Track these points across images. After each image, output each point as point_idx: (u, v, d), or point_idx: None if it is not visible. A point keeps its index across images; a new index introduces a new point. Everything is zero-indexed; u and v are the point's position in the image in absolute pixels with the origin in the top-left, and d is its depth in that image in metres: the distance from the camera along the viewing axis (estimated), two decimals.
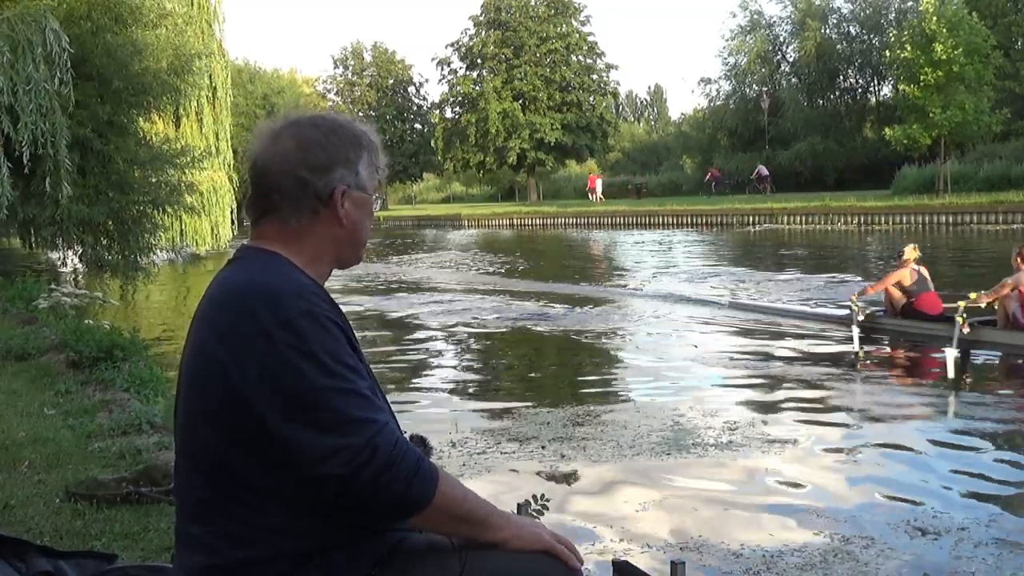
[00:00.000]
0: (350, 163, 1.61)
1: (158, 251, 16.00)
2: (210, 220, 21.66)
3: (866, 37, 53.29)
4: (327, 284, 1.69)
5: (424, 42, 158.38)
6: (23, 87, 10.85)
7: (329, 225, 1.61)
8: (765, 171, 45.13)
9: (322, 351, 1.45)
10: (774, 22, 56.46)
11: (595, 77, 57.76)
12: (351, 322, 1.60)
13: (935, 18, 31.11)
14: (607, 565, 2.09)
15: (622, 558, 2.21)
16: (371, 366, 1.65)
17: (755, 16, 55.84)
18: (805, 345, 9.42)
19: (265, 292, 1.49)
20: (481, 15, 57.37)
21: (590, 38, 57.73)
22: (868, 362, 8.66)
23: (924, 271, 9.67)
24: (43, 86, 10.95)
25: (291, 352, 1.44)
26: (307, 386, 1.43)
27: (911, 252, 9.72)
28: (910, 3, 46.78)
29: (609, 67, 58.65)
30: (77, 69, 11.60)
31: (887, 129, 34.78)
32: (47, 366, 6.67)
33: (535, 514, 2.42)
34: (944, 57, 30.72)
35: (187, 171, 14.97)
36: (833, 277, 15.92)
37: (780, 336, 10.03)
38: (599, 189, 51.72)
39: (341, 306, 1.59)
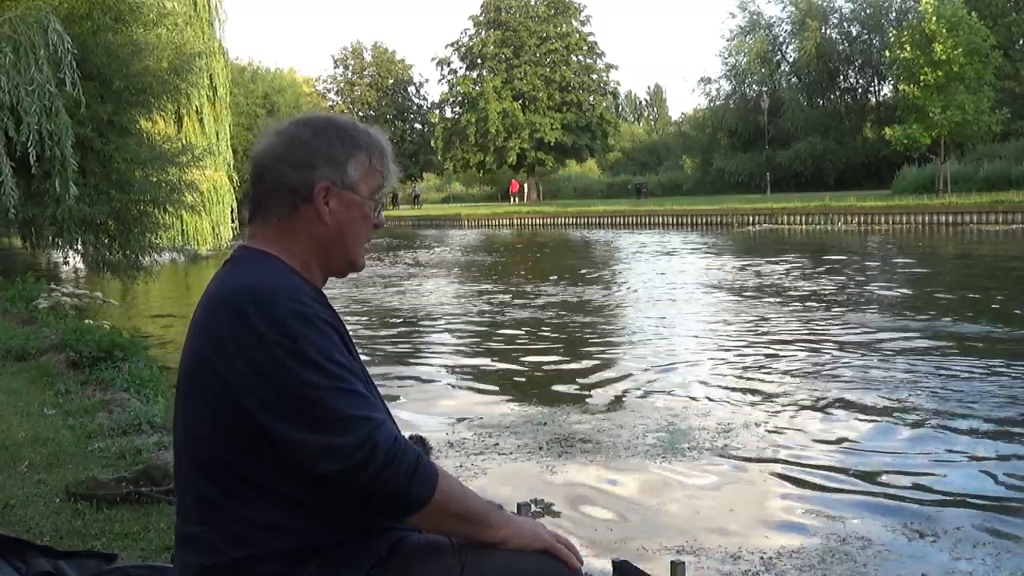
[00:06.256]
0: (336, 161, 1.60)
1: (159, 250, 15.97)
2: (211, 220, 21.60)
3: (866, 37, 53.31)
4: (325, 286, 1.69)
5: (424, 42, 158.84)
6: (25, 88, 10.83)
7: (312, 223, 1.59)
8: (418, 190, 65.35)
9: (314, 351, 1.45)
10: (774, 22, 56.57)
11: (595, 77, 57.83)
12: (349, 321, 1.60)
13: (935, 18, 31.13)
14: (607, 565, 2.09)
15: (622, 558, 2.21)
16: (368, 367, 1.65)
17: (755, 16, 55.89)
18: (802, 347, 9.41)
19: (256, 293, 1.49)
20: (481, 15, 57.41)
21: (590, 38, 57.82)
22: (863, 365, 8.63)
23: None
24: (47, 87, 10.93)
25: (283, 353, 1.44)
26: (301, 387, 1.43)
27: None
28: (910, 3, 46.79)
29: (609, 67, 58.81)
30: (78, 68, 11.59)
31: (887, 129, 34.82)
32: (47, 366, 6.65)
33: (535, 515, 2.43)
34: (944, 57, 30.74)
35: (187, 170, 14.95)
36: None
37: (777, 337, 10.03)
38: (526, 191, 58.16)
39: (339, 306, 1.59)
